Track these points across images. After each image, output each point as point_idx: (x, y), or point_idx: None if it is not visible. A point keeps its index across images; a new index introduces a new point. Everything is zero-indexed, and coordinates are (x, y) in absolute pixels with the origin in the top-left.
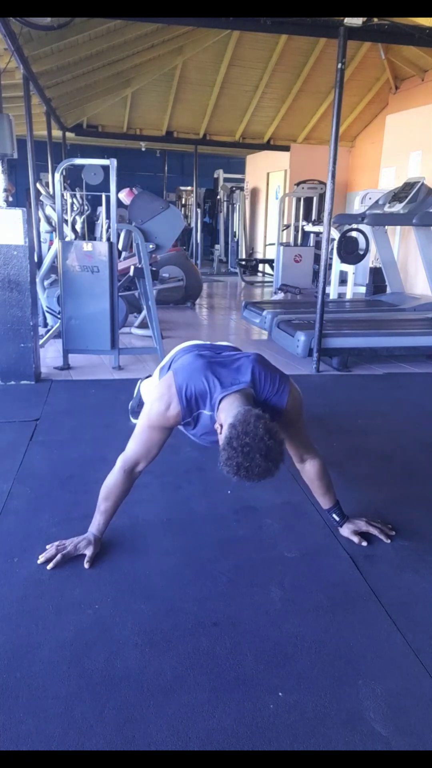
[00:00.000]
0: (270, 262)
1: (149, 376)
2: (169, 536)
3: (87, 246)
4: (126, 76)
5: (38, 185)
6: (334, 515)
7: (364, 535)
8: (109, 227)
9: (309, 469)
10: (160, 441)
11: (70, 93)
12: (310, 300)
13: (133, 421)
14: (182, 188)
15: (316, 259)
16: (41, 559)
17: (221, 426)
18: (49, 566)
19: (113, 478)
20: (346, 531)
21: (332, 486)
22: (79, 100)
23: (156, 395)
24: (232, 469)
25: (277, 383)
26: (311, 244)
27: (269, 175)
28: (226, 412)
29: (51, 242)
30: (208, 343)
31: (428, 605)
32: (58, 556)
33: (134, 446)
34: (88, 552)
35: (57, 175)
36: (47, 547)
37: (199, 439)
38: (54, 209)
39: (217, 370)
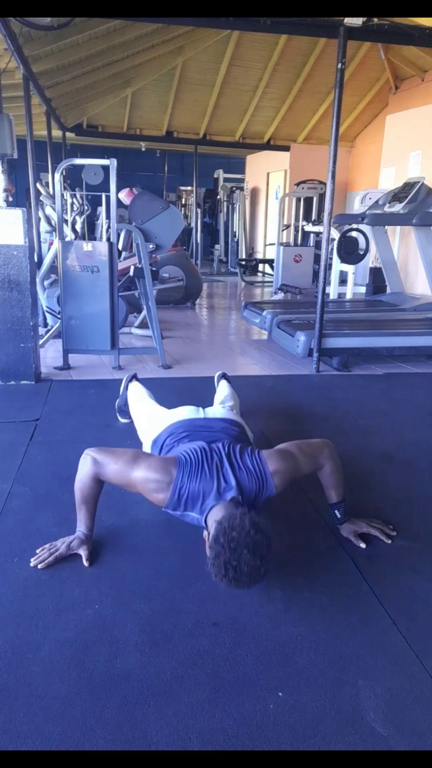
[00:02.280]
0: (270, 262)
1: (135, 375)
2: (169, 536)
3: (87, 246)
4: (126, 76)
5: (38, 185)
6: (337, 512)
7: (363, 536)
8: (109, 227)
9: (325, 470)
10: (132, 491)
11: (70, 93)
12: (310, 300)
13: (121, 420)
14: (182, 188)
15: (316, 259)
16: (33, 562)
17: (209, 534)
18: (41, 566)
19: (86, 483)
20: (345, 531)
21: (343, 483)
22: (79, 100)
23: (152, 472)
24: (220, 569)
25: (257, 475)
26: (311, 244)
27: (269, 175)
28: (215, 517)
29: (51, 242)
30: (202, 417)
31: (428, 605)
32: (51, 558)
33: (111, 471)
34: (83, 551)
35: (57, 175)
36: (38, 551)
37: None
38: (54, 209)
39: (214, 473)
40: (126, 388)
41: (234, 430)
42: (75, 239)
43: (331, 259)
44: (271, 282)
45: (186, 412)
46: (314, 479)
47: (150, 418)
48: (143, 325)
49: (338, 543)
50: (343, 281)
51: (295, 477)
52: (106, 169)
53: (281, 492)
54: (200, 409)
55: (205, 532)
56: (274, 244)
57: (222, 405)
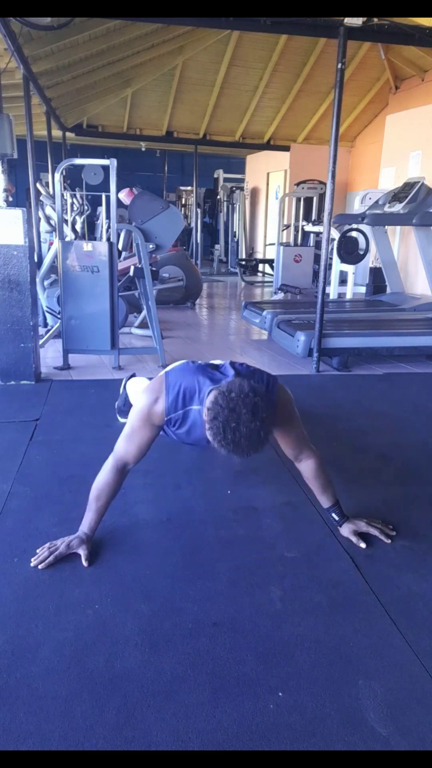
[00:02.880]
0: (270, 262)
1: (134, 374)
2: (169, 536)
3: (87, 246)
4: (126, 76)
5: (38, 185)
6: (334, 515)
7: (363, 535)
8: (109, 227)
9: (305, 468)
10: (150, 439)
11: (70, 93)
12: (310, 300)
13: (121, 420)
14: (182, 188)
15: (316, 259)
16: (34, 562)
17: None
18: (41, 566)
19: (105, 477)
20: (345, 531)
21: (331, 485)
22: (79, 100)
23: (145, 389)
24: (219, 431)
25: (265, 380)
26: (311, 244)
27: (269, 175)
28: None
29: (51, 242)
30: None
31: (428, 605)
32: (50, 558)
33: (124, 445)
34: (82, 551)
35: (57, 175)
36: (38, 551)
37: (187, 438)
38: (54, 209)
39: (208, 370)
40: (125, 387)
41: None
42: (75, 239)
43: (331, 259)
44: (271, 282)
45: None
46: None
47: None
48: (143, 325)
49: (338, 543)
50: (343, 281)
51: (288, 424)
52: (106, 169)
53: (275, 427)
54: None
55: (205, 409)
56: (274, 244)
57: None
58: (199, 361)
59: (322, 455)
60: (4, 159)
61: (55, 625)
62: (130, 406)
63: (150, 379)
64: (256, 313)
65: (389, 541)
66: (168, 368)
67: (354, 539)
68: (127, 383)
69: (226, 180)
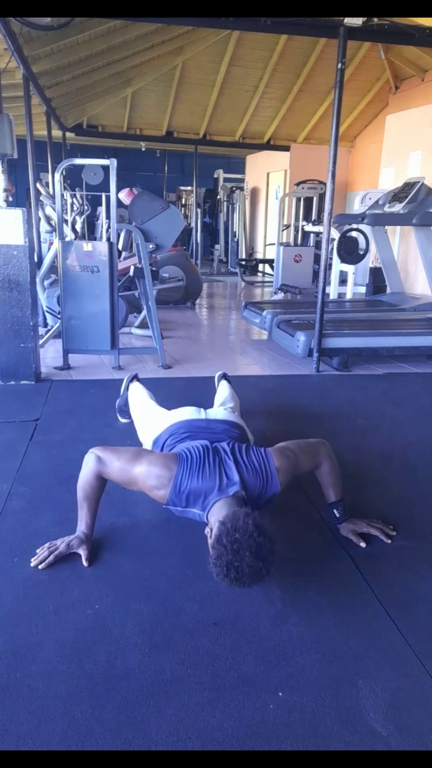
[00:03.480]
0: (270, 262)
1: (136, 375)
2: (169, 536)
3: (87, 246)
4: (126, 76)
5: (38, 185)
6: (335, 511)
7: (363, 535)
8: (109, 227)
9: (322, 469)
10: (134, 488)
11: (70, 93)
12: (310, 300)
13: (122, 420)
14: (182, 188)
15: (316, 259)
16: (34, 562)
17: (211, 530)
18: (41, 566)
19: (89, 479)
20: (345, 530)
21: (340, 482)
22: (79, 100)
23: (154, 468)
24: (222, 569)
25: (262, 472)
26: (311, 244)
27: (269, 175)
28: (217, 515)
29: (51, 242)
30: (203, 418)
31: (428, 605)
32: (51, 557)
33: (114, 469)
34: (82, 551)
35: (57, 175)
36: (37, 551)
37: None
38: (54, 209)
39: (217, 470)
40: (126, 388)
41: (235, 432)
42: (75, 239)
43: (331, 259)
44: (271, 282)
45: (187, 413)
46: (313, 479)
47: (151, 418)
48: (143, 325)
49: (338, 543)
50: (343, 281)
51: (296, 475)
52: (106, 169)
53: (284, 490)
54: (201, 410)
55: (207, 529)
56: (274, 244)
57: (223, 406)
58: (203, 413)
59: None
60: (4, 159)
61: (55, 625)
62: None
63: (152, 382)
64: (256, 313)
65: (389, 541)
66: (172, 432)
67: (354, 539)
68: (129, 387)
69: (226, 180)
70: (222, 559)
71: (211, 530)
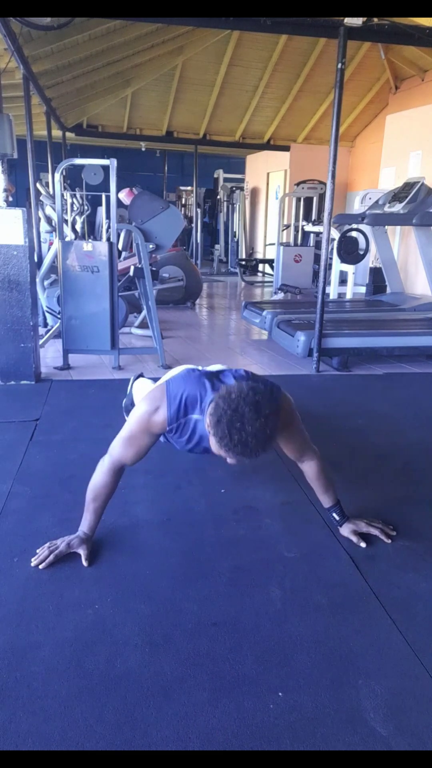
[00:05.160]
0: (270, 262)
1: (141, 374)
2: (169, 536)
3: (87, 246)
4: (126, 76)
5: (38, 185)
6: (334, 514)
7: (363, 535)
8: (109, 227)
9: (308, 470)
10: (148, 445)
11: (70, 93)
12: (310, 300)
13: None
14: (182, 188)
15: (316, 259)
16: (34, 562)
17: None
18: (42, 566)
19: (101, 479)
20: (345, 531)
21: (333, 485)
22: (79, 100)
23: (146, 397)
24: (224, 434)
25: (267, 385)
26: (311, 244)
27: (269, 175)
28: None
29: (51, 242)
30: (200, 369)
31: (428, 605)
32: (51, 557)
33: (121, 448)
34: (83, 551)
35: (57, 175)
36: (38, 551)
37: (187, 446)
38: (54, 209)
39: (209, 379)
40: (132, 387)
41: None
42: (75, 239)
43: (331, 259)
44: (271, 282)
45: (181, 368)
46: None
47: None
48: (143, 325)
49: (338, 543)
50: (343, 281)
51: (290, 428)
52: (106, 169)
53: (278, 438)
54: (197, 368)
55: (207, 425)
56: (274, 244)
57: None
58: (200, 368)
59: (322, 455)
60: (4, 159)
61: (55, 625)
62: None
63: (156, 380)
64: (256, 313)
65: (389, 541)
66: (169, 375)
67: (354, 539)
68: (134, 384)
69: (226, 180)
70: (222, 421)
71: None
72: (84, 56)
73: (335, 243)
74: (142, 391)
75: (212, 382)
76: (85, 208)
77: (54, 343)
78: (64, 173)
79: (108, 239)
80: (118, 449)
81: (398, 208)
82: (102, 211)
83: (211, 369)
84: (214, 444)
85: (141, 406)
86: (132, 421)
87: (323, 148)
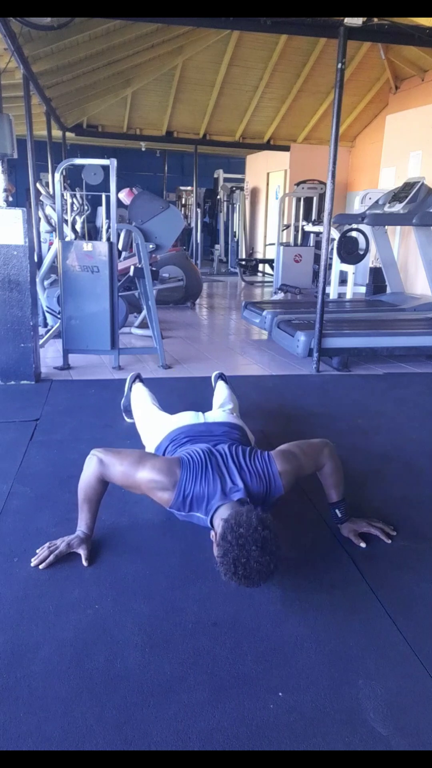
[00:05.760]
0: (270, 262)
1: (139, 374)
2: (169, 536)
3: (87, 246)
4: (126, 76)
5: (38, 185)
6: (337, 511)
7: (363, 535)
8: (109, 227)
9: (325, 470)
10: (137, 492)
11: (70, 93)
12: (310, 300)
13: (128, 420)
14: (182, 188)
15: (316, 259)
16: (34, 562)
17: (216, 533)
18: (42, 566)
19: (90, 482)
20: (346, 530)
21: (343, 483)
22: (79, 100)
23: (157, 473)
24: (229, 567)
25: (265, 476)
26: (311, 244)
27: (269, 175)
28: (221, 517)
29: (51, 242)
30: (203, 422)
31: (428, 605)
32: (51, 557)
33: (117, 473)
34: (82, 551)
35: (57, 175)
36: (37, 551)
37: (181, 517)
38: (54, 209)
39: (219, 474)
40: (130, 388)
41: (235, 434)
42: (75, 239)
43: (331, 259)
44: (271, 282)
45: (187, 418)
46: (314, 479)
47: (151, 424)
48: (143, 325)
49: (338, 543)
50: (343, 281)
51: (299, 477)
52: (106, 169)
53: (287, 492)
54: (200, 414)
55: (212, 533)
56: (274, 244)
57: (222, 409)
58: (203, 417)
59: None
60: (4, 159)
61: (55, 625)
62: None
63: (155, 382)
64: (256, 313)
65: (389, 541)
66: (173, 438)
67: (354, 539)
68: (132, 388)
69: (226, 180)
70: (228, 555)
71: (216, 533)
72: (84, 56)
73: (335, 243)
74: (139, 404)
75: (222, 486)
76: (85, 208)
77: (54, 343)
78: (64, 173)
79: (108, 239)
80: (110, 468)
81: (398, 208)
82: (102, 211)
83: (215, 417)
84: (218, 566)
85: (151, 472)
86: (137, 470)
87: (323, 148)
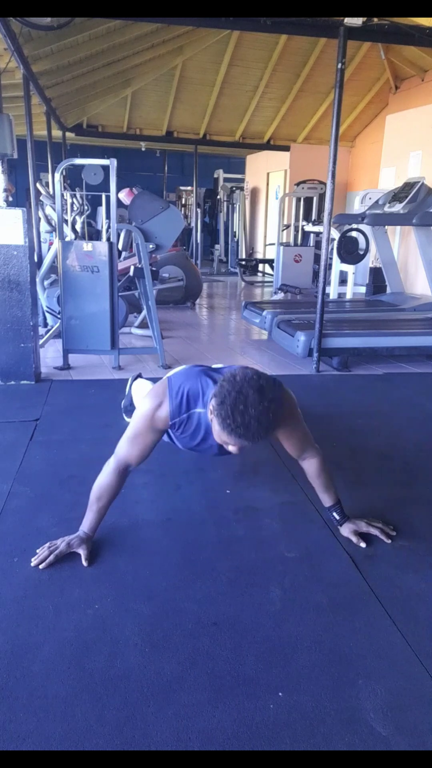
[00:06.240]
0: (270, 262)
1: (140, 375)
2: (169, 536)
3: (87, 246)
4: (126, 76)
5: (38, 185)
6: (335, 514)
7: (363, 535)
8: (109, 227)
9: (309, 468)
10: (153, 442)
11: (70, 93)
12: (310, 300)
13: (127, 419)
14: (182, 188)
15: (316, 259)
16: (34, 561)
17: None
18: (42, 566)
19: (106, 479)
20: (345, 531)
21: (333, 484)
22: (79, 100)
23: (149, 394)
24: (227, 416)
25: (270, 378)
26: (311, 244)
27: (269, 175)
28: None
29: (51, 242)
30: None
31: (428, 605)
32: (51, 557)
33: (126, 448)
34: (83, 551)
35: (57, 175)
36: (37, 551)
37: (191, 442)
38: (54, 209)
39: (211, 373)
40: (130, 387)
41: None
42: (75, 239)
43: (331, 259)
44: (271, 282)
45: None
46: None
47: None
48: (143, 325)
49: (338, 543)
50: (343, 281)
51: (291, 423)
52: (106, 169)
53: (274, 432)
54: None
55: (209, 415)
56: (274, 244)
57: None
58: (202, 365)
59: (323, 454)
60: (4, 159)
61: (55, 625)
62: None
63: (155, 381)
64: (256, 313)
65: (389, 541)
66: (170, 372)
67: (354, 539)
68: (133, 384)
69: (226, 180)
70: (225, 403)
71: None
72: (84, 56)
73: (335, 243)
74: (141, 391)
75: (215, 376)
76: (85, 208)
77: (54, 343)
78: (64, 173)
79: (108, 239)
80: (122, 449)
81: (398, 208)
82: (102, 211)
83: (214, 367)
84: (216, 427)
85: (144, 404)
86: (135, 419)
87: (323, 148)
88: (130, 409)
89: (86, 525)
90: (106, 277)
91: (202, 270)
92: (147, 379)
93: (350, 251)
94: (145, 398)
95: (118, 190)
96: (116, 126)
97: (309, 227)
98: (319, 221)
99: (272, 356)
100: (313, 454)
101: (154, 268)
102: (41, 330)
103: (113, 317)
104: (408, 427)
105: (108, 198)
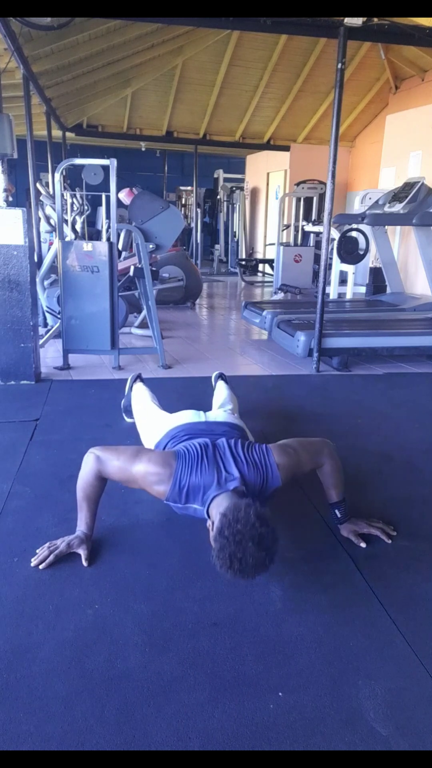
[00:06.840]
0: (270, 262)
1: (140, 374)
2: (169, 536)
3: (87, 246)
4: (126, 76)
5: (38, 185)
6: (337, 511)
7: (363, 536)
8: (109, 227)
9: (325, 469)
10: (136, 487)
11: (70, 93)
12: (310, 300)
13: (127, 420)
14: (182, 188)
15: (316, 259)
16: (34, 562)
17: (212, 524)
18: (42, 566)
19: (89, 480)
20: (346, 531)
21: (343, 482)
22: (79, 100)
23: (153, 465)
24: (225, 561)
25: (262, 467)
26: (311, 244)
27: (269, 175)
28: (218, 508)
29: (51, 242)
30: (203, 421)
31: (428, 605)
32: (51, 557)
33: (114, 468)
34: (82, 551)
35: (57, 175)
36: (37, 551)
37: (180, 512)
38: (54, 209)
39: (216, 465)
40: (131, 388)
41: (235, 433)
42: (75, 239)
43: (331, 259)
44: (271, 282)
45: (187, 417)
46: (314, 478)
47: (151, 422)
48: (143, 325)
49: (338, 543)
50: (343, 281)
51: (297, 473)
52: (106, 169)
53: (285, 485)
54: (201, 413)
55: (209, 522)
56: (274, 244)
57: (222, 408)
58: (204, 416)
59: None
60: (4, 159)
61: (55, 625)
62: None
63: (155, 381)
64: (256, 313)
65: (389, 541)
66: (172, 435)
67: (354, 539)
68: (133, 388)
69: (226, 180)
70: (225, 551)
71: (213, 523)
72: (84, 56)
73: (335, 243)
74: (139, 403)
75: (217, 476)
76: (85, 208)
77: (54, 343)
78: (64, 173)
79: (108, 239)
80: (109, 465)
81: (398, 208)
82: (102, 211)
83: (216, 417)
84: (214, 560)
85: (147, 465)
86: (133, 463)
87: (323, 148)
88: (131, 409)
89: (82, 524)
90: (106, 277)
91: (202, 270)
92: (146, 379)
93: (350, 251)
94: (150, 468)
95: (118, 190)
96: (116, 126)
97: (309, 227)
98: (319, 221)
99: (272, 356)
100: (323, 460)
101: (154, 268)
102: (41, 330)
103: (113, 317)
104: (408, 427)
105: (108, 198)
